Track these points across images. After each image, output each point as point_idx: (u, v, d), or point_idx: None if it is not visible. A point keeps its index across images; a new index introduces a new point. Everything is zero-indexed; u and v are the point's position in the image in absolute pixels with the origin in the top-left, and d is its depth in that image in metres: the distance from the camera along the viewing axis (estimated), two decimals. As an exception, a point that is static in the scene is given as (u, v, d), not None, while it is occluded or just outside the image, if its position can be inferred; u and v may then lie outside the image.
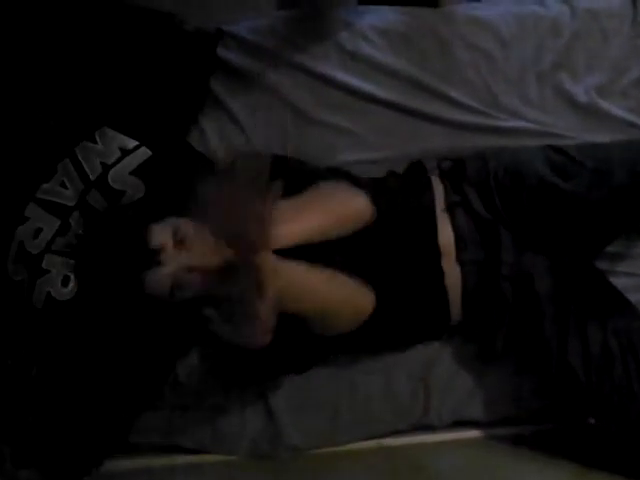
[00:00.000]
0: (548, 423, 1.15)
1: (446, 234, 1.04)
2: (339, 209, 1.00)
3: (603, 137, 1.19)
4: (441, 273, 1.03)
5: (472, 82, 1.23)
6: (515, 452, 1.10)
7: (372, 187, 1.09)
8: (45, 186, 0.95)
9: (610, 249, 1.15)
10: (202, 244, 0.87)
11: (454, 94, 1.22)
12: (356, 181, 1.11)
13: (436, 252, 1.03)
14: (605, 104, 1.24)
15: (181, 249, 0.87)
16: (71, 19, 0.98)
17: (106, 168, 0.96)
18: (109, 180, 0.96)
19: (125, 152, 0.97)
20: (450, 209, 1.06)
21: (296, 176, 1.01)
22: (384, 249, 1.02)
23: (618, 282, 1.10)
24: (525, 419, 1.16)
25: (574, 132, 1.22)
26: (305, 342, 0.99)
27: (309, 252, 0.94)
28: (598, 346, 0.96)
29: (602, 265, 1.15)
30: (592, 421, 1.10)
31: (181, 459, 1.12)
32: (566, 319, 0.99)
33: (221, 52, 1.19)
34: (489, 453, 1.12)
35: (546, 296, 1.01)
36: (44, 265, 0.94)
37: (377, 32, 1.23)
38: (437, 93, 1.22)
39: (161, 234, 0.87)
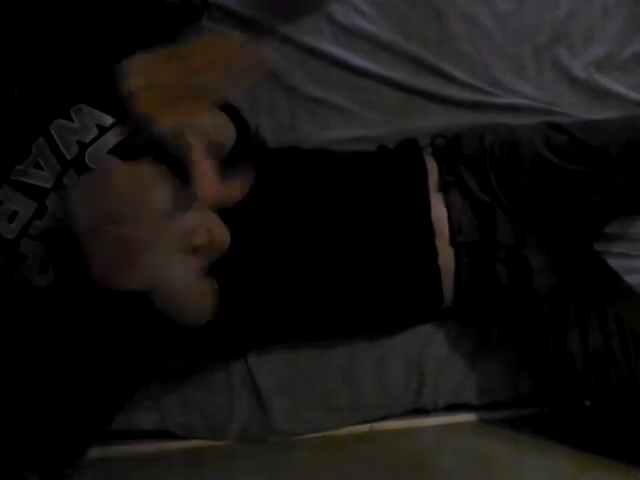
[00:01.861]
0: (544, 406, 1.14)
1: (439, 214, 1.01)
2: None
3: (602, 114, 1.17)
4: (434, 252, 1.00)
5: (468, 56, 1.20)
6: (510, 436, 1.08)
7: (359, 160, 1.06)
8: (19, 167, 0.89)
9: (606, 230, 1.13)
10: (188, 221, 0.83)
11: (450, 69, 1.19)
12: (341, 156, 1.08)
13: (429, 230, 1.00)
14: (605, 80, 1.21)
15: None
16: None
17: (83, 147, 0.91)
18: (86, 160, 0.91)
19: (103, 130, 0.92)
20: (444, 189, 1.03)
21: None
22: (373, 225, 0.99)
23: (614, 263, 1.08)
24: (521, 402, 1.14)
25: (572, 109, 1.19)
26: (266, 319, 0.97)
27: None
28: (598, 333, 0.94)
29: (598, 246, 1.14)
30: (588, 403, 1.09)
31: (176, 445, 1.09)
32: (565, 305, 0.97)
33: (207, 24, 1.14)
34: (483, 437, 1.10)
35: (544, 281, 0.98)
36: (21, 250, 0.89)
37: (368, 3, 1.18)
38: (432, 68, 1.19)
39: None
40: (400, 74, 1.18)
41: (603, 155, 0.97)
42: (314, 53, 1.17)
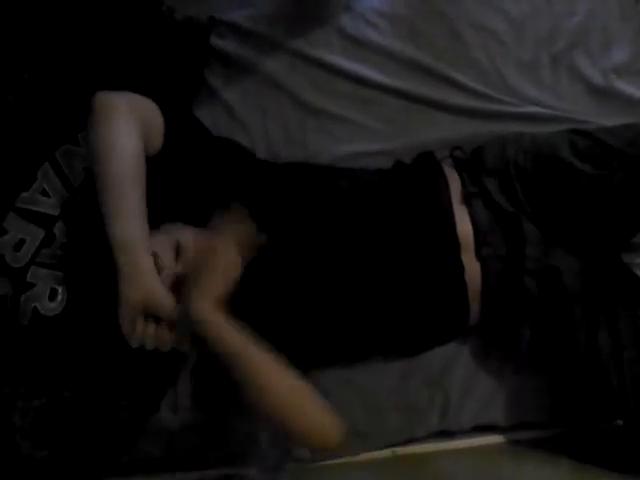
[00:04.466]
0: (573, 426, 1.09)
1: (464, 227, 0.97)
2: None
3: (622, 121, 1.12)
4: (461, 267, 0.96)
5: (482, 66, 1.17)
6: (537, 457, 1.04)
7: (376, 179, 1.03)
8: (25, 195, 0.88)
9: (633, 240, 1.08)
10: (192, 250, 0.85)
11: (463, 79, 1.16)
12: (359, 173, 1.06)
13: (455, 245, 0.96)
14: (624, 86, 1.18)
15: (177, 258, 0.82)
16: (48, 10, 0.91)
17: (90, 173, 0.89)
18: None
19: (111, 155, 0.90)
20: (468, 201, 0.99)
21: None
22: (398, 243, 0.96)
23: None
24: (548, 422, 1.10)
25: (591, 116, 1.16)
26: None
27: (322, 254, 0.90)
28: (631, 344, 0.90)
29: (625, 257, 1.08)
30: (620, 423, 1.04)
31: (183, 476, 1.06)
32: (596, 315, 0.93)
33: (215, 41, 1.13)
34: (510, 459, 1.07)
35: (574, 291, 0.95)
36: (29, 278, 0.87)
37: (379, 15, 1.17)
38: (445, 78, 1.16)
39: (154, 241, 0.83)
40: (412, 85, 1.16)
41: (628, 159, 0.94)
42: (324, 66, 1.15)
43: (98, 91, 0.84)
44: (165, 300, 0.80)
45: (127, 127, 0.82)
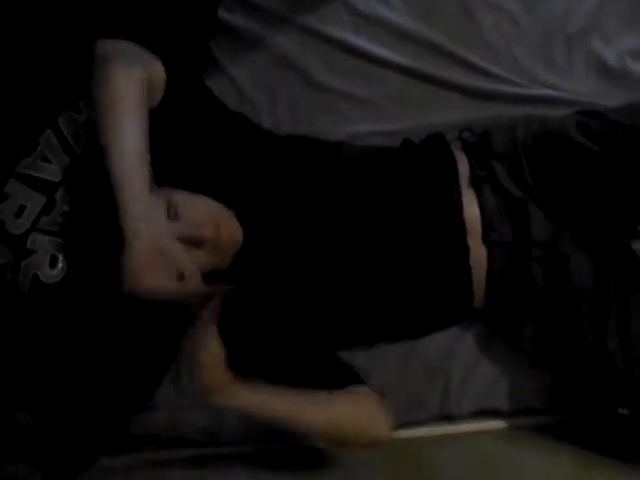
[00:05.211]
0: (575, 413, 1.08)
1: (472, 211, 0.97)
2: None
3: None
4: (466, 250, 0.96)
5: (495, 47, 1.15)
6: (539, 443, 1.04)
7: (383, 159, 1.03)
8: (26, 160, 0.87)
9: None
10: (195, 214, 0.83)
11: (475, 59, 1.14)
12: (366, 150, 1.05)
13: (461, 228, 0.96)
14: (639, 68, 1.14)
15: (174, 220, 0.81)
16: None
17: (92, 141, 0.88)
18: None
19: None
20: (476, 185, 0.98)
21: None
22: (402, 224, 0.96)
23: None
24: (550, 409, 1.09)
25: (605, 100, 1.13)
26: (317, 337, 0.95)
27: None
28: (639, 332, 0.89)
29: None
30: (625, 411, 1.03)
31: (181, 452, 1.06)
32: (606, 303, 0.92)
33: (222, 14, 1.11)
34: (511, 445, 1.06)
35: (581, 279, 0.93)
36: (29, 245, 0.87)
37: (390, -9, 1.14)
38: (457, 58, 1.14)
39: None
40: (423, 64, 1.14)
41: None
42: (334, 43, 1.13)
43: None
44: (176, 244, 0.77)
45: (129, 75, 0.81)
